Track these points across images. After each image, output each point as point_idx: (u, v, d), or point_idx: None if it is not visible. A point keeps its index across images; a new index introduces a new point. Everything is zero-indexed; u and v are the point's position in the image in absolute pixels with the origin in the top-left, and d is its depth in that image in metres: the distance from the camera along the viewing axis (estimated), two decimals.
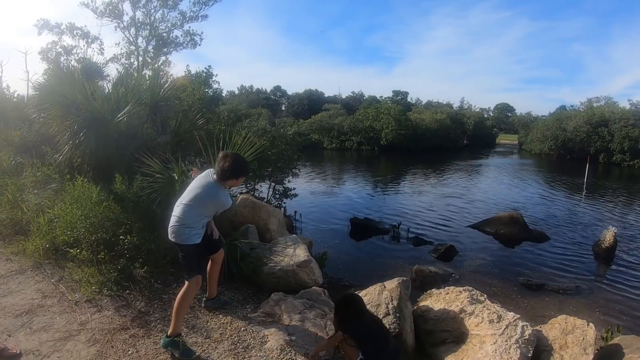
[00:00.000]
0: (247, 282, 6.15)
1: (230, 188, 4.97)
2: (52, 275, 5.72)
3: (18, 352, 4.19)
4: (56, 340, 4.31)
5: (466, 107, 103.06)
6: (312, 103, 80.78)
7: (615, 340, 5.70)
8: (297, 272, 6.10)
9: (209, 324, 4.93)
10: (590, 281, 10.82)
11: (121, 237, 5.82)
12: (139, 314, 4.96)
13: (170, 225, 4.51)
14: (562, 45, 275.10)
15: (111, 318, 4.80)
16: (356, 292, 5.47)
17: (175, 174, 6.42)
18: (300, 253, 6.41)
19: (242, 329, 4.86)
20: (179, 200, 4.59)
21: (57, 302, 5.07)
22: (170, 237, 4.51)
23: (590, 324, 5.33)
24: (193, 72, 19.02)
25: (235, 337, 4.69)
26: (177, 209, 4.51)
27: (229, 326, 4.90)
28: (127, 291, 5.34)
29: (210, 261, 5.15)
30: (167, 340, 4.32)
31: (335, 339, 4.43)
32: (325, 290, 6.07)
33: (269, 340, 4.65)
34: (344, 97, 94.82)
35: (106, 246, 5.84)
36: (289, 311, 5.20)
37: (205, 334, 4.71)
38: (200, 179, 4.62)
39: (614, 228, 13.22)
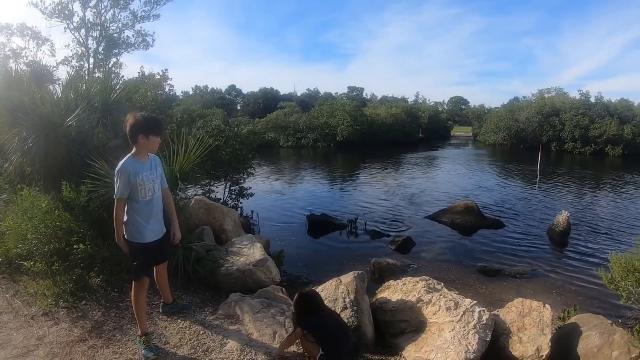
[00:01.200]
0: (204, 284, 6.15)
1: (145, 155, 4.52)
2: (6, 290, 5.59)
3: None
4: (14, 357, 4.24)
5: (421, 101, 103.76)
6: (267, 102, 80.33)
7: (573, 319, 5.87)
8: (254, 272, 6.12)
9: (167, 329, 4.92)
10: (546, 264, 11.18)
11: (74, 246, 5.73)
12: (96, 324, 4.91)
13: None
14: (513, 39, 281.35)
15: (69, 330, 4.74)
16: (313, 288, 5.53)
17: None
18: (256, 252, 6.44)
19: (201, 332, 4.87)
20: None
21: (13, 317, 4.97)
22: None
23: (547, 305, 5.50)
24: (147, 73, 18.64)
25: (194, 340, 4.70)
26: None
27: (188, 330, 4.90)
28: (84, 302, 5.27)
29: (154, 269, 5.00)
30: (137, 340, 4.46)
31: (295, 336, 4.47)
32: (283, 288, 6.13)
33: (228, 342, 4.68)
34: (299, 94, 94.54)
35: (60, 256, 5.74)
36: (247, 311, 5.23)
37: (164, 340, 4.70)
38: None
39: (567, 212, 13.71)
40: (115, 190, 4.30)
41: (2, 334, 4.61)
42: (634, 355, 4.88)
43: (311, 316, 4.41)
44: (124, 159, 4.36)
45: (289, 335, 4.62)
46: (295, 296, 4.63)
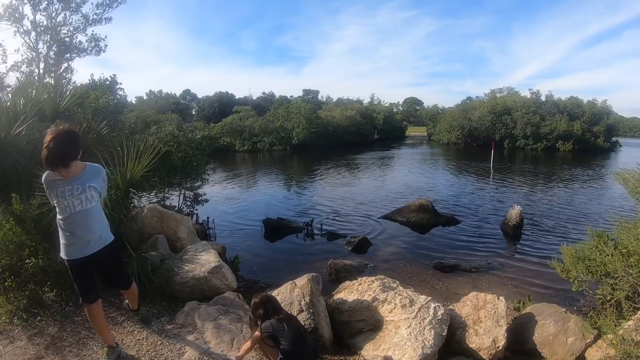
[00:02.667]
0: (160, 294, 6.09)
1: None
2: None
3: None
4: None
5: (376, 102, 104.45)
6: (222, 106, 79.70)
7: (528, 309, 6.09)
8: (210, 279, 6.12)
9: (124, 342, 4.88)
10: (500, 257, 11.54)
11: (27, 260, 5.60)
12: (53, 340, 4.84)
13: None
14: (465, 41, 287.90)
15: (24, 348, 4.65)
16: (269, 292, 5.57)
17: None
18: (211, 259, 6.43)
19: (159, 343, 4.86)
20: None
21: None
22: None
23: (501, 297, 5.67)
24: (97, 79, 18.31)
25: (152, 352, 4.69)
26: None
27: (145, 342, 4.89)
28: (38, 318, 5.17)
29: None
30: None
31: (254, 341, 4.49)
32: (239, 294, 6.15)
33: (186, 351, 4.70)
34: (254, 98, 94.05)
35: (12, 272, 5.59)
36: (203, 319, 5.24)
37: (122, 353, 4.66)
38: None
39: (519, 206, 14.15)
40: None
41: None
42: (588, 340, 5.10)
43: (269, 320, 4.43)
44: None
45: (248, 340, 4.63)
46: (252, 301, 4.65)
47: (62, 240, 4.20)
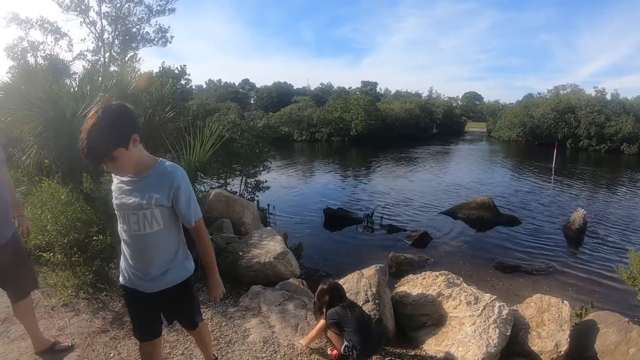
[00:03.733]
0: (224, 276, 6.09)
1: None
2: None
3: (69, 344, 4.18)
4: None
5: (435, 96, 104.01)
6: (281, 96, 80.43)
7: (590, 316, 5.81)
8: (275, 265, 6.08)
9: None
10: (562, 261, 11.11)
11: (94, 237, 5.67)
12: (117, 315, 4.86)
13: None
14: (528, 34, 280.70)
15: (89, 321, 4.70)
16: (336, 281, 5.48)
17: None
18: (276, 245, 6.40)
19: (224, 323, 4.82)
20: None
21: (34, 308, 4.96)
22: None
23: (565, 301, 5.43)
24: (166, 67, 18.72)
25: (217, 332, 4.65)
26: None
27: (210, 322, 4.84)
28: (104, 293, 5.23)
29: None
30: None
31: (320, 329, 4.42)
32: (304, 281, 6.08)
33: (251, 334, 4.64)
34: (312, 89, 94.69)
35: (79, 248, 5.70)
36: (268, 303, 5.19)
37: (185, 331, 4.65)
38: None
39: (583, 210, 13.61)
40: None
41: (22, 325, 4.59)
42: None
43: (334, 307, 4.36)
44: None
45: (315, 327, 4.55)
46: (320, 287, 4.58)
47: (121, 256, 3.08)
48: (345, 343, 4.23)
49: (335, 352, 4.46)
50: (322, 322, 4.39)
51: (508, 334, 4.94)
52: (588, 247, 12.42)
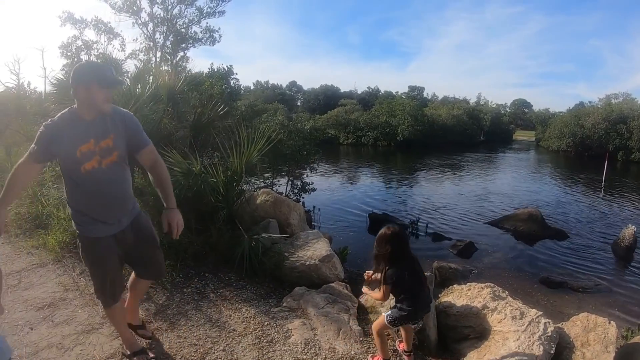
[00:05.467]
0: (269, 276, 6.14)
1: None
2: (73, 269, 5.74)
3: (150, 334, 4.36)
4: (78, 334, 4.32)
5: (483, 102, 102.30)
6: (327, 98, 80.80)
7: (636, 339, 5.66)
8: (320, 267, 6.07)
9: (232, 318, 4.91)
10: (609, 280, 10.80)
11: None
12: (160, 307, 4.96)
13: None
14: (578, 40, 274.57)
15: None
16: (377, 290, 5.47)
17: (194, 167, 6.44)
18: (322, 248, 6.39)
19: (266, 323, 4.84)
20: None
21: (79, 295, 5.08)
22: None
23: (612, 322, 5.29)
24: (215, 68, 19.05)
25: (259, 331, 4.67)
26: None
27: (252, 320, 4.88)
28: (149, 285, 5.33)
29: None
30: None
31: (386, 293, 4.17)
32: (348, 285, 6.06)
33: (292, 335, 4.64)
34: (359, 92, 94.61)
35: None
36: (311, 306, 5.19)
37: (228, 327, 4.70)
38: None
39: (633, 227, 13.20)
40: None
41: (67, 311, 4.71)
42: None
43: (393, 268, 4.05)
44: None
45: (379, 291, 4.23)
46: (381, 232, 4.16)
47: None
48: (395, 304, 4.20)
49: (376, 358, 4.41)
50: (385, 287, 4.12)
51: (552, 352, 4.83)
52: (637, 266, 12.02)
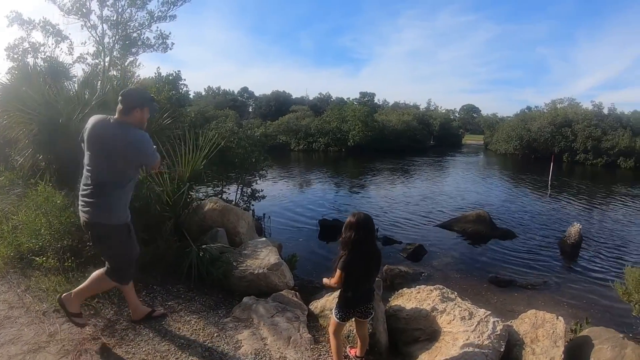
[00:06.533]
0: (217, 286, 6.06)
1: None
2: (18, 285, 5.49)
3: (163, 311, 5.02)
4: (25, 353, 4.14)
5: (433, 108, 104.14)
6: (279, 104, 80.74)
7: (584, 332, 5.80)
8: (268, 275, 6.04)
9: (181, 331, 4.82)
10: (557, 276, 11.16)
11: (88, 243, 5.64)
12: (108, 322, 4.81)
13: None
14: (526, 47, 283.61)
15: (81, 328, 4.64)
16: (327, 294, 5.47)
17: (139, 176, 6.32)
18: (270, 256, 6.35)
19: (215, 334, 4.78)
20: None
21: (24, 312, 4.87)
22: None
23: (560, 317, 5.42)
24: (164, 74, 18.70)
25: (208, 343, 4.60)
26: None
27: (202, 332, 4.81)
28: (96, 299, 5.14)
29: None
30: None
31: (339, 277, 4.21)
32: (297, 293, 6.04)
33: (242, 345, 4.60)
34: (311, 98, 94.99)
35: (73, 253, 5.65)
36: (261, 315, 5.15)
37: (177, 341, 4.61)
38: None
39: (578, 224, 13.70)
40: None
41: (13, 329, 4.52)
42: None
43: (351, 254, 4.13)
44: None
45: (336, 275, 4.26)
46: (348, 219, 4.28)
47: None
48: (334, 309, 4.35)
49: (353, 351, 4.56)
50: (338, 273, 4.19)
51: (502, 350, 4.92)
52: (583, 262, 12.45)
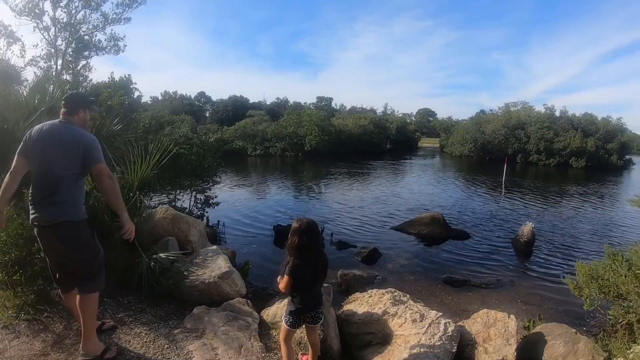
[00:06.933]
0: (168, 296, 6.02)
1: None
2: None
3: (113, 323, 4.93)
4: None
5: (389, 112, 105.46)
6: (236, 109, 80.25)
7: (537, 328, 5.97)
8: (219, 284, 6.04)
9: (131, 344, 4.78)
10: (511, 274, 11.43)
11: (36, 255, 5.51)
12: (58, 337, 4.74)
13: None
14: (482, 53, 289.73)
15: (30, 344, 4.55)
16: (278, 302, 5.49)
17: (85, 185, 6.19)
18: (221, 264, 6.35)
19: (166, 346, 4.76)
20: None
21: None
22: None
23: (511, 315, 5.57)
24: (117, 78, 18.35)
25: (159, 355, 4.59)
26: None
27: (152, 344, 4.79)
28: (45, 314, 5.08)
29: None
30: None
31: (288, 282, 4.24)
32: (249, 301, 6.05)
33: (193, 356, 4.59)
34: (268, 103, 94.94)
35: (20, 266, 5.51)
36: (212, 325, 5.16)
37: (128, 354, 4.58)
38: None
39: (531, 223, 14.09)
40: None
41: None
42: None
43: (296, 262, 4.18)
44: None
45: (283, 280, 4.27)
46: (294, 225, 4.32)
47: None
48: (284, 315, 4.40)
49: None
50: (286, 278, 4.22)
51: (454, 350, 5.03)
52: (536, 259, 12.82)
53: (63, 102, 4.21)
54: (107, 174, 4.12)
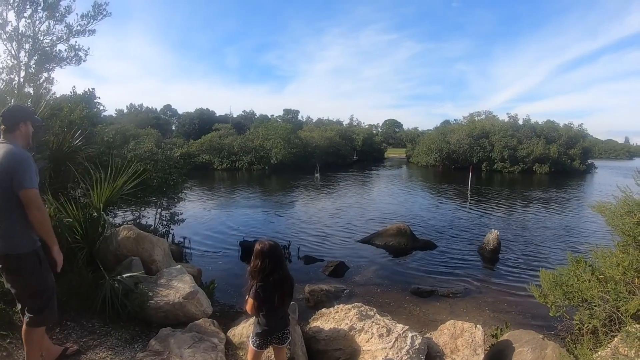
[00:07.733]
0: (133, 319, 5.91)
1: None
2: None
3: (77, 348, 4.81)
4: None
5: (356, 124, 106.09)
6: (203, 122, 80.00)
7: (505, 336, 6.03)
8: (184, 305, 5.97)
9: None
10: (478, 282, 11.59)
11: None
12: None
13: None
14: (446, 64, 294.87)
15: None
16: (244, 321, 5.46)
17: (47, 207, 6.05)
18: (186, 284, 6.27)
19: None
20: None
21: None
22: None
23: (478, 325, 5.64)
24: (80, 92, 18.04)
25: None
26: None
27: None
28: (8, 340, 4.92)
29: None
30: None
31: (252, 305, 4.19)
32: (214, 321, 6.00)
33: None
34: (235, 116, 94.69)
35: None
36: (178, 346, 5.09)
37: None
38: None
39: (496, 231, 14.33)
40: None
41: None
42: None
43: (260, 286, 4.11)
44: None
45: (249, 301, 4.21)
46: (256, 248, 4.19)
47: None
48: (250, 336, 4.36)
49: None
50: (250, 300, 4.18)
51: None
52: (502, 267, 13.03)
53: (1, 119, 3.93)
54: (35, 204, 3.79)
